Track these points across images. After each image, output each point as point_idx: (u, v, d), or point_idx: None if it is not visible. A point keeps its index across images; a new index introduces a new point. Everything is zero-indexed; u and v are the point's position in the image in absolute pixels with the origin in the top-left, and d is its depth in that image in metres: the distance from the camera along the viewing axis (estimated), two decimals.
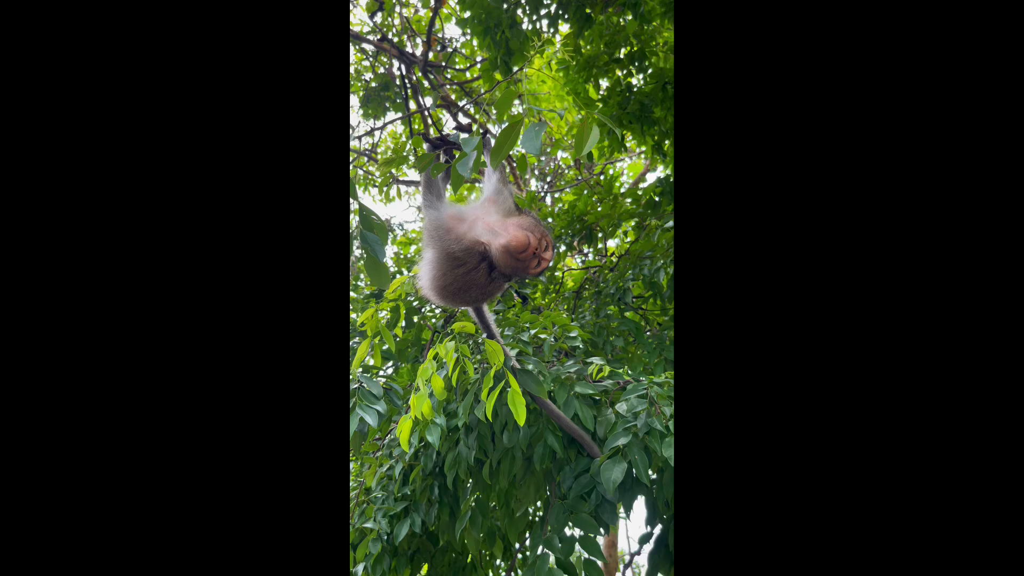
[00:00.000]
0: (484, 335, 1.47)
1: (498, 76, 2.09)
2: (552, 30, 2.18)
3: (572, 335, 1.75)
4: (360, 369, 1.68)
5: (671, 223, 1.93)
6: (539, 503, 1.85)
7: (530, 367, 1.45)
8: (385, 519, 1.68)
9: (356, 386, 1.53)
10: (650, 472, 1.32)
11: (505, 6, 1.96)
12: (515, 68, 2.16)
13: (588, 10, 2.06)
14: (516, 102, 4.34)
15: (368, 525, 1.68)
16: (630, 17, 2.03)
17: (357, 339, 2.02)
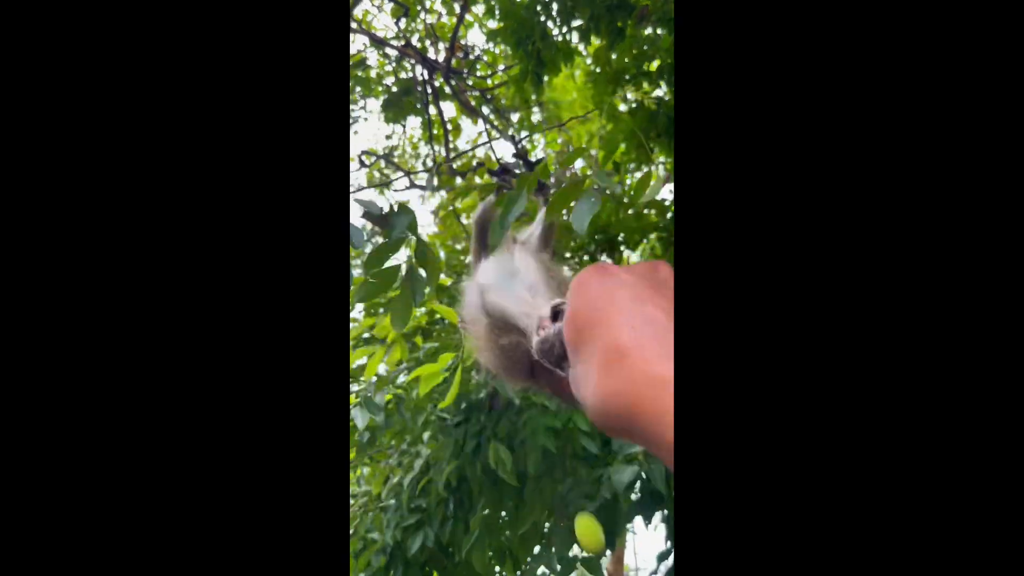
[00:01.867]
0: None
1: (527, 89, 2.10)
2: (584, 43, 2.19)
3: None
4: (374, 377, 1.67)
5: None
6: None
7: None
8: (398, 530, 1.68)
9: (359, 390, 1.52)
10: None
11: (540, 17, 1.97)
12: (546, 79, 2.17)
13: (620, 23, 2.06)
14: (536, 111, 4.35)
15: (374, 536, 1.67)
16: (663, 32, 2.04)
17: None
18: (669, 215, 2.27)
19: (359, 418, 1.41)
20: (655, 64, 2.31)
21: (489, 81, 4.00)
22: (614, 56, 2.40)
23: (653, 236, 2.20)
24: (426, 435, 1.66)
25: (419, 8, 3.97)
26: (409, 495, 1.67)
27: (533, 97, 4.04)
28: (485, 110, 4.29)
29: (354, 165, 4.72)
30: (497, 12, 2.08)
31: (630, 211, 2.31)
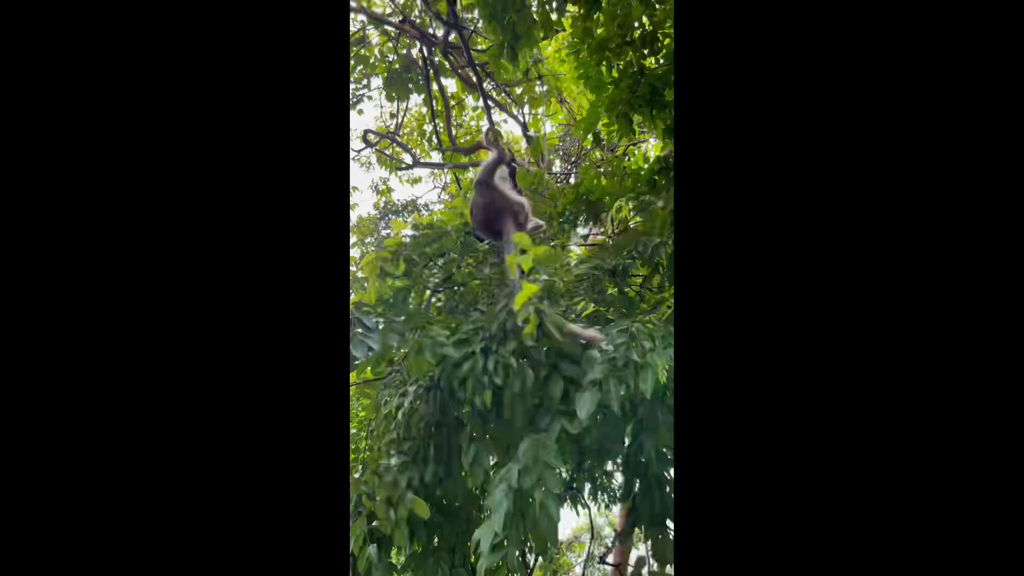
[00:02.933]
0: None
1: (505, 64, 2.12)
2: (558, 15, 2.19)
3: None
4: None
5: (662, 203, 1.94)
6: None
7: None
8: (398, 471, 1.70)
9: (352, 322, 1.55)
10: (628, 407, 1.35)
11: None
12: (523, 53, 2.18)
13: None
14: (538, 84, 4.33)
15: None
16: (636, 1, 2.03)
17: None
18: (646, 180, 2.29)
19: (358, 351, 1.45)
20: (636, 33, 2.30)
21: (488, 55, 4.00)
22: (599, 29, 2.39)
23: (625, 199, 2.22)
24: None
25: None
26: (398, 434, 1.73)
27: (532, 69, 4.03)
28: (487, 86, 4.28)
29: (360, 144, 4.78)
30: None
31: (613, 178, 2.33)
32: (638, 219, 2.08)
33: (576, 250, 2.72)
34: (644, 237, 2.00)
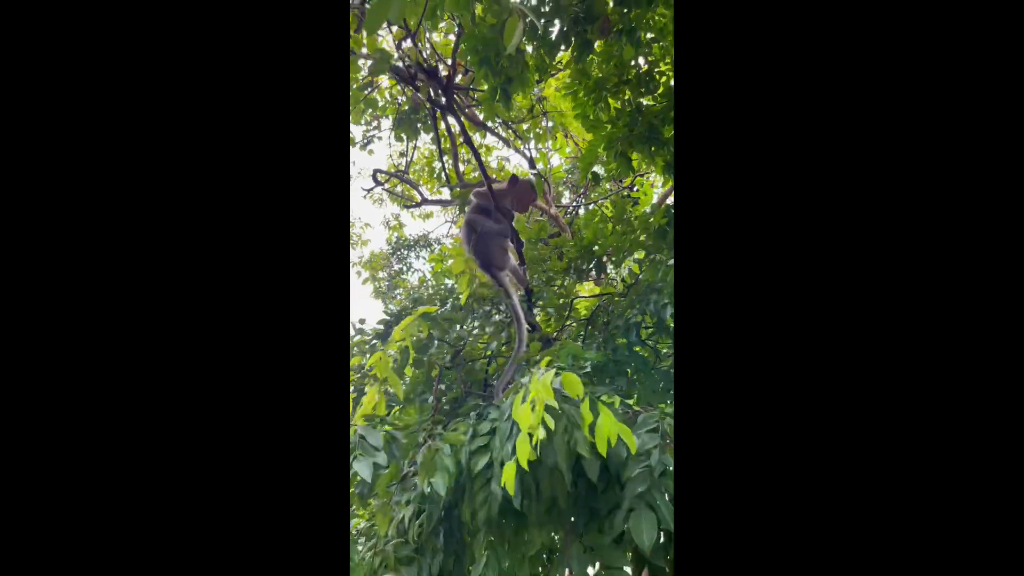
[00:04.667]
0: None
1: (498, 108, 2.08)
2: (552, 59, 2.15)
3: (586, 360, 1.70)
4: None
5: (670, 261, 1.84)
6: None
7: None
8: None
9: (356, 438, 1.52)
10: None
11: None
12: (523, 94, 2.14)
13: (589, 35, 2.01)
14: (543, 121, 4.32)
15: None
16: (626, 44, 1.97)
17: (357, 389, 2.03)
18: (654, 230, 2.19)
19: (363, 469, 1.40)
20: (632, 72, 2.24)
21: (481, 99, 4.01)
22: (596, 70, 2.34)
23: (640, 254, 2.13)
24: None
25: (425, 30, 4.02)
26: (414, 531, 1.65)
27: (536, 106, 4.01)
28: (494, 122, 4.29)
29: (370, 183, 4.83)
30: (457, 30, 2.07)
31: (617, 228, 2.25)
32: (643, 276, 1.98)
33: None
34: (653, 294, 1.90)
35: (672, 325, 1.86)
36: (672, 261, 1.85)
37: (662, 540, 1.26)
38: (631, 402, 1.61)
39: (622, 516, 1.26)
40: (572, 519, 1.47)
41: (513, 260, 2.17)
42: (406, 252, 6.73)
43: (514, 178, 2.24)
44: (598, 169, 2.76)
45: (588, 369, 1.70)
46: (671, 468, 1.22)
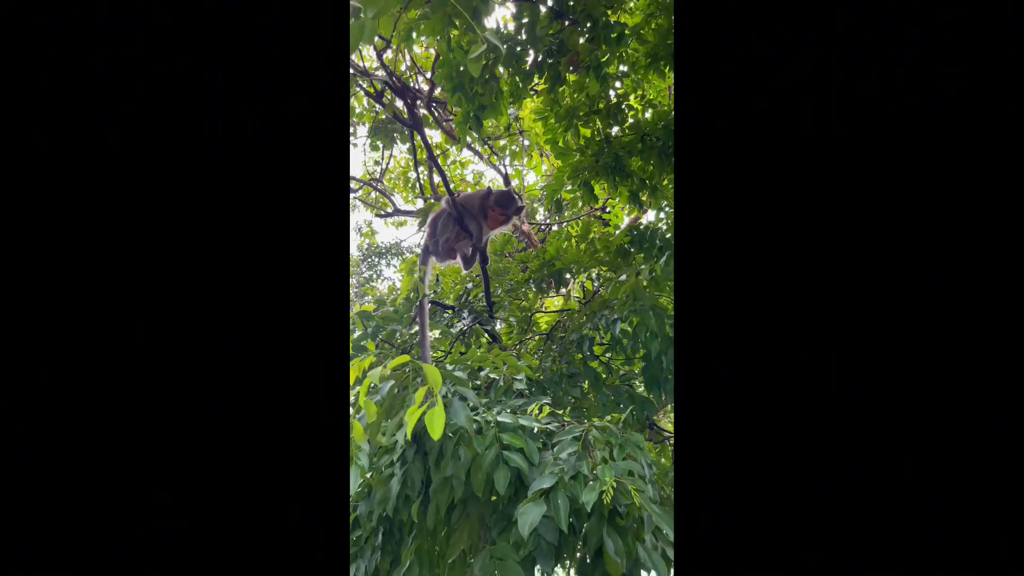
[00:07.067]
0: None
1: (470, 133, 2.18)
2: (525, 86, 2.27)
3: (519, 376, 1.78)
4: None
5: (623, 276, 1.96)
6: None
7: (467, 397, 1.46)
8: None
9: None
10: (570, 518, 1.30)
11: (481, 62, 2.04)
12: (497, 117, 2.24)
13: (561, 69, 2.14)
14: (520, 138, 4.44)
15: None
16: (591, 79, 2.11)
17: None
18: (615, 249, 2.31)
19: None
20: (602, 104, 2.38)
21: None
22: (567, 99, 2.47)
23: (602, 270, 2.24)
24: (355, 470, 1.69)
25: (403, 43, 4.10)
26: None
27: (512, 124, 4.13)
28: (471, 138, 4.38)
29: None
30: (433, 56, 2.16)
31: (578, 245, 2.36)
32: (603, 292, 2.09)
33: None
34: (606, 310, 2.01)
35: (625, 342, 1.97)
36: (624, 276, 1.96)
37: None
38: (561, 412, 1.71)
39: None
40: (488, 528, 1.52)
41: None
42: (376, 259, 6.73)
43: (489, 191, 2.33)
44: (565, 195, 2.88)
45: (523, 386, 1.77)
46: (584, 472, 1.28)
